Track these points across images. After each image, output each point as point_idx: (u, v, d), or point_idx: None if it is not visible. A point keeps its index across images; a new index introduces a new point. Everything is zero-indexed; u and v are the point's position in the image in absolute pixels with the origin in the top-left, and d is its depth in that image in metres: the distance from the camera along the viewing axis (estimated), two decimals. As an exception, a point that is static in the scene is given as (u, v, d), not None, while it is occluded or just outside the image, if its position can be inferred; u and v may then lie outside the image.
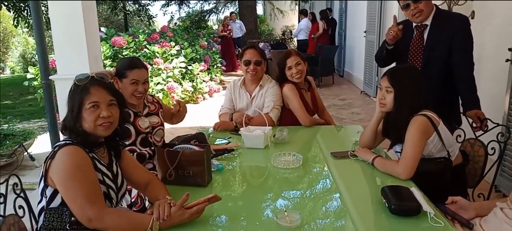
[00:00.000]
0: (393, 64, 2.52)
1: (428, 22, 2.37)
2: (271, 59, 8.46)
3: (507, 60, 2.94)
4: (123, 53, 6.22)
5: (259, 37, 14.59)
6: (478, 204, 1.73)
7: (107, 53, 5.99)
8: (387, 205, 1.50)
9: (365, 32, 7.30)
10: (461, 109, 2.36)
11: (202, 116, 6.19)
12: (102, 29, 7.02)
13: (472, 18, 3.28)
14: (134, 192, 2.10)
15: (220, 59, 9.37)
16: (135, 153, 2.18)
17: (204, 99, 7.39)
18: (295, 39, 11.46)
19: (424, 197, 1.55)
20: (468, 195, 2.09)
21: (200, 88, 7.26)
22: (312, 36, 9.84)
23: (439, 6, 3.34)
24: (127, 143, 2.16)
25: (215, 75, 8.36)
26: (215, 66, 8.73)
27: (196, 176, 1.71)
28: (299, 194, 1.74)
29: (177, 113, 2.48)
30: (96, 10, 3.81)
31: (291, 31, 14.89)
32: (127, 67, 2.16)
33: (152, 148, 2.24)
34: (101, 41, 6.16)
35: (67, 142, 1.47)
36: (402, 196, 1.51)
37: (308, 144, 2.54)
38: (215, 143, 2.38)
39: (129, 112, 2.19)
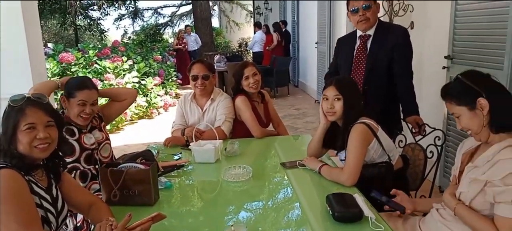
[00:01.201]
0: None
1: (371, 32, 2.49)
2: (227, 72, 8.51)
3: (444, 67, 3.13)
4: (72, 70, 6.01)
5: (216, 49, 14.62)
6: (415, 199, 1.85)
7: (55, 70, 5.76)
8: (331, 213, 1.54)
9: (316, 43, 7.51)
10: (402, 116, 2.48)
11: (157, 131, 6.07)
12: (49, 45, 6.76)
13: (412, 28, 3.46)
14: (80, 215, 2.02)
15: (175, 73, 9.28)
16: (78, 171, 2.11)
17: (159, 114, 7.26)
18: (250, 51, 11.60)
19: (366, 202, 1.61)
20: (411, 197, 2.19)
21: (154, 103, 7.13)
22: (267, 48, 9.99)
23: (381, 17, 3.54)
24: (70, 160, 2.09)
25: (170, 89, 8.25)
26: (170, 80, 8.62)
27: (142, 195, 1.67)
28: (261, 205, 1.77)
29: (116, 95, 2.47)
30: (43, 25, 3.66)
31: (247, 44, 14.99)
32: (76, 87, 2.11)
33: (97, 166, 2.17)
34: (47, 57, 5.92)
35: (0, 165, 1.40)
36: (345, 203, 1.55)
37: (263, 155, 2.56)
38: (174, 159, 2.35)
39: (73, 129, 2.13)
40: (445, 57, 3.09)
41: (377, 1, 2.46)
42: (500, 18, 2.53)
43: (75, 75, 5.98)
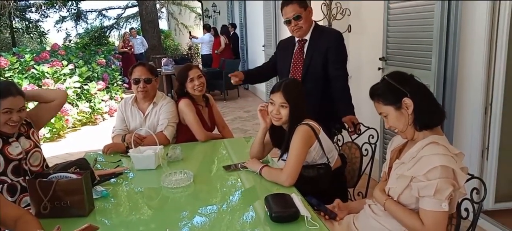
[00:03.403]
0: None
1: (307, 37, 2.57)
2: (174, 75, 8.38)
3: (379, 68, 3.29)
4: (6, 76, 5.65)
5: (164, 52, 14.35)
6: (349, 204, 1.93)
7: (-15, 76, 5.38)
8: (268, 213, 1.56)
9: (263, 46, 7.60)
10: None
11: (102, 138, 5.85)
12: (-21, 49, 6.31)
13: (349, 31, 3.61)
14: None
15: (121, 77, 8.99)
16: (5, 185, 1.97)
17: (103, 119, 7.00)
18: (200, 54, 11.54)
19: (303, 201, 1.65)
20: (349, 194, 2.28)
21: (99, 109, 6.86)
22: (216, 51, 9.97)
23: (320, 21, 3.65)
24: None
25: (116, 94, 7.98)
26: (115, 84, 8.34)
27: (75, 206, 1.60)
28: (215, 209, 1.75)
29: (44, 96, 2.32)
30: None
31: (194, 37, 14.14)
32: None
33: (27, 178, 2.05)
34: (-23, 62, 5.53)
35: None
36: (282, 204, 1.58)
37: (209, 159, 2.54)
38: (114, 167, 2.27)
39: None
40: (380, 59, 3.24)
41: (309, 8, 2.55)
42: (426, 22, 2.70)
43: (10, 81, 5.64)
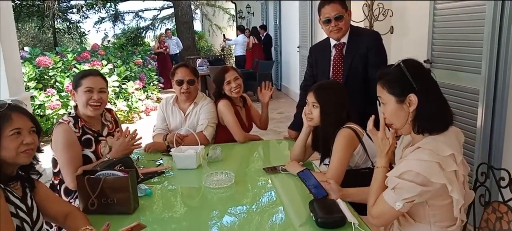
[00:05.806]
0: None
1: (345, 40, 2.51)
2: (209, 75, 8.46)
3: (424, 71, 3.16)
4: (49, 74, 5.88)
5: (198, 53, 14.52)
6: (348, 189, 1.78)
7: (31, 74, 5.61)
8: (314, 218, 1.53)
9: (298, 47, 7.54)
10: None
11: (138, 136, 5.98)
12: (26, 48, 6.60)
13: (392, 33, 3.51)
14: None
15: (157, 77, 9.18)
16: None
17: (140, 118, 7.16)
18: (233, 55, 11.66)
19: (349, 207, 1.60)
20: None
21: (136, 108, 7.03)
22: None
23: (361, 22, 3.56)
24: None
25: (152, 93, 8.16)
26: (151, 84, 8.52)
27: (121, 203, 1.62)
28: (245, 209, 1.76)
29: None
30: (20, 28, 3.56)
31: (228, 39, 14.44)
32: (81, 76, 2.11)
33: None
34: (24, 61, 5.78)
35: None
36: (328, 209, 1.54)
37: (246, 160, 2.54)
38: (155, 165, 2.30)
39: (90, 139, 2.08)
40: (425, 61, 3.12)
41: (349, 10, 2.48)
42: (477, 23, 2.57)
43: (53, 79, 5.88)
